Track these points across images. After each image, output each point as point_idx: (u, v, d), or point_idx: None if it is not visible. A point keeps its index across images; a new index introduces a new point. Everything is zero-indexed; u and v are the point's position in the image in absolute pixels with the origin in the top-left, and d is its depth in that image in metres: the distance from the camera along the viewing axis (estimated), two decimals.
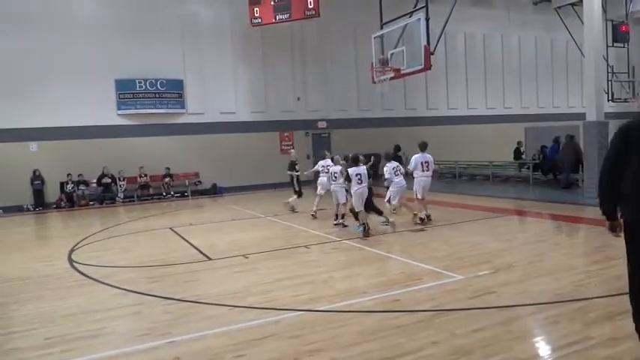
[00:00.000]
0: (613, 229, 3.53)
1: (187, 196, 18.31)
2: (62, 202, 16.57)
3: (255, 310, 5.02)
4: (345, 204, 9.85)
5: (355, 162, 9.00)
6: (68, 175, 16.71)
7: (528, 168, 16.56)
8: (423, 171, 9.68)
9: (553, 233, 8.80)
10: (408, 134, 18.95)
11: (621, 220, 3.49)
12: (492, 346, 3.82)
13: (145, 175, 17.80)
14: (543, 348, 3.93)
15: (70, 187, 16.76)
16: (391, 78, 13.92)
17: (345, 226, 9.72)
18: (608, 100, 18.07)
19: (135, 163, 17.57)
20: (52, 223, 13.84)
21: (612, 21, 18.73)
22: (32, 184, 16.30)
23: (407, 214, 10.30)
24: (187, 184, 18.57)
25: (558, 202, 11.87)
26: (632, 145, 3.37)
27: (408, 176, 9.91)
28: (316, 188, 11.56)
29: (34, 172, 16.28)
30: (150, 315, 5.08)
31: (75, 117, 16.64)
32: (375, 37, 14.72)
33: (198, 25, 18.60)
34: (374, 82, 14.71)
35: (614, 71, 19.03)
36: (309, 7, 17.42)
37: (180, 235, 9.92)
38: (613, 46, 18.66)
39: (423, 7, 12.82)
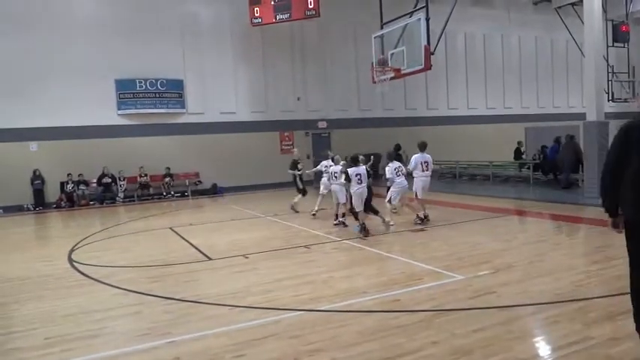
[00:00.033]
0: (615, 226, 3.58)
1: (187, 196, 18.31)
2: (62, 202, 16.57)
3: (255, 310, 5.02)
4: (345, 204, 9.85)
5: (355, 162, 9.00)
6: (68, 174, 16.72)
7: (528, 168, 16.56)
8: (422, 171, 9.70)
9: (553, 233, 8.80)
10: (408, 134, 18.96)
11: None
12: (492, 346, 3.82)
13: (145, 175, 17.81)
14: (543, 348, 3.93)
15: (70, 186, 16.76)
16: (391, 78, 13.92)
17: (346, 225, 9.72)
18: (609, 100, 18.06)
19: (135, 163, 17.57)
20: (52, 223, 13.84)
21: (612, 21, 18.72)
22: (32, 183, 16.30)
23: (408, 214, 10.31)
24: (187, 184, 18.58)
25: (558, 202, 11.87)
26: (632, 145, 3.40)
27: (408, 176, 9.90)
28: (318, 188, 11.56)
29: (35, 171, 16.29)
30: (150, 315, 5.08)
31: (75, 117, 16.64)
32: (375, 37, 14.72)
33: (198, 25, 18.60)
34: (374, 82, 14.71)
35: (615, 71, 19.02)
36: (310, 7, 17.42)
37: (180, 235, 9.92)
38: (613, 46, 18.65)
39: (423, 7, 12.82)
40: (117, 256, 8.22)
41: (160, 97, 18.03)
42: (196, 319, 4.86)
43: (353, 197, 8.90)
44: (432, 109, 23.55)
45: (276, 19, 17.85)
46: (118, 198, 17.33)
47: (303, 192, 12.19)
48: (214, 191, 18.75)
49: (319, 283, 5.93)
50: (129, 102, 17.64)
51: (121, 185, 17.50)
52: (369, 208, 9.21)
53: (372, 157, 11.60)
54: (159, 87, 17.97)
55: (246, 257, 7.53)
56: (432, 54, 12.81)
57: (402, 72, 13.63)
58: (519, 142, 18.44)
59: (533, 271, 5.92)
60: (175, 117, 18.49)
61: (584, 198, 11.87)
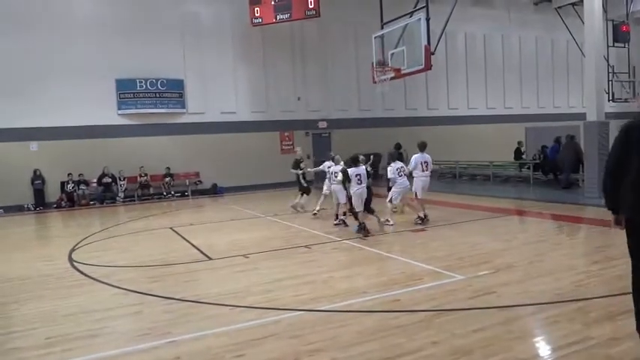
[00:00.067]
0: (618, 223, 3.63)
1: (188, 195, 18.31)
2: (63, 202, 16.57)
3: (256, 310, 5.02)
4: (345, 204, 9.85)
5: (355, 162, 9.01)
6: (69, 174, 16.72)
7: (529, 168, 16.56)
8: (422, 171, 9.71)
9: (553, 233, 8.79)
10: (408, 134, 18.94)
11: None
12: (492, 346, 3.82)
13: (146, 175, 17.81)
14: (543, 348, 3.93)
15: (70, 186, 16.76)
16: (391, 78, 13.92)
17: (347, 225, 9.72)
18: (609, 100, 18.05)
19: (135, 163, 17.58)
20: (53, 223, 13.84)
21: (613, 21, 18.70)
22: (33, 183, 16.30)
23: (409, 214, 10.31)
24: (188, 183, 18.58)
25: (559, 202, 11.87)
26: (633, 145, 3.42)
27: (408, 176, 9.91)
28: (321, 188, 11.55)
29: (35, 171, 16.29)
30: (150, 315, 5.08)
31: (75, 117, 16.65)
32: (375, 37, 14.71)
33: (198, 24, 18.60)
34: (374, 82, 14.70)
35: (615, 71, 19.01)
36: (310, 7, 17.43)
37: (180, 235, 9.93)
38: (613, 46, 18.64)
39: (423, 7, 12.82)
40: (117, 256, 8.22)
41: (160, 97, 18.03)
42: (196, 319, 4.86)
43: (353, 197, 8.90)
44: (432, 109, 23.55)
45: (276, 19, 17.86)
46: (118, 198, 17.33)
47: (307, 191, 12.14)
48: (214, 191, 18.76)
49: (319, 283, 5.93)
50: (129, 102, 17.64)
51: (121, 185, 17.50)
52: (366, 208, 9.21)
53: (371, 156, 11.59)
54: (159, 87, 17.97)
55: (247, 257, 7.53)
56: (433, 54, 12.81)
57: (403, 72, 13.61)
58: (519, 142, 18.44)
59: (534, 271, 5.92)
60: (176, 117, 18.49)
61: (584, 198, 11.87)
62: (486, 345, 3.85)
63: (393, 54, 13.91)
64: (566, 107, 26.49)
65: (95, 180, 17.25)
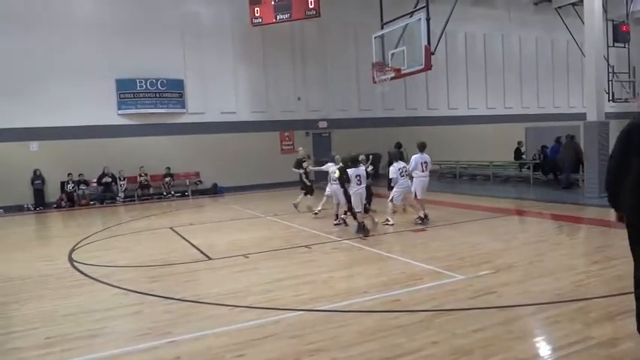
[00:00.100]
0: (621, 220, 3.66)
1: (188, 195, 18.32)
2: (63, 202, 16.58)
3: (256, 309, 5.02)
4: (345, 204, 9.84)
5: (355, 163, 9.01)
6: (69, 174, 16.72)
7: (529, 168, 16.55)
8: (422, 171, 9.70)
9: (553, 233, 8.79)
10: (408, 134, 18.92)
11: None
12: (493, 346, 3.82)
13: (146, 175, 17.81)
14: (544, 348, 3.93)
15: (70, 186, 16.77)
16: (392, 78, 13.92)
17: (347, 224, 9.72)
18: (609, 100, 18.04)
19: (135, 163, 17.58)
20: (53, 223, 13.84)
21: (613, 21, 18.70)
22: (33, 183, 16.31)
23: (410, 214, 10.31)
24: (188, 183, 18.59)
25: (559, 202, 11.86)
26: (634, 147, 3.43)
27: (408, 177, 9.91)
28: (323, 188, 11.53)
29: (35, 171, 16.30)
30: (150, 314, 5.08)
31: (75, 117, 16.65)
32: (375, 37, 14.72)
33: (198, 24, 18.60)
34: (374, 82, 14.70)
35: (615, 71, 19.01)
36: (310, 7, 17.44)
37: (180, 235, 9.92)
38: (614, 46, 18.63)
39: (423, 7, 12.82)
40: (117, 256, 8.22)
41: (160, 97, 18.03)
42: (197, 319, 4.86)
43: (352, 197, 8.90)
44: (432, 109, 23.55)
45: (276, 19, 17.86)
46: (118, 198, 17.33)
47: (310, 191, 12.05)
48: (214, 191, 18.76)
49: (319, 283, 5.92)
50: (129, 102, 17.64)
51: (121, 185, 17.50)
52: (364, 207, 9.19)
53: (370, 156, 11.57)
54: (159, 87, 17.97)
55: (247, 257, 7.53)
56: (433, 54, 12.81)
57: (403, 72, 13.62)
58: (519, 142, 18.45)
59: (534, 271, 5.92)
60: (176, 117, 18.49)
61: (584, 198, 11.86)
62: (486, 345, 3.85)
63: (393, 54, 13.91)
64: (566, 107, 26.50)
65: (95, 180, 17.25)
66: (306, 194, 12.09)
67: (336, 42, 20.94)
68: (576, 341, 3.84)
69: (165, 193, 17.95)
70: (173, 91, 18.25)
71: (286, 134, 20.37)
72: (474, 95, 24.62)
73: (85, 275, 6.91)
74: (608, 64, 17.85)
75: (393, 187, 10.01)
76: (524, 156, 18.11)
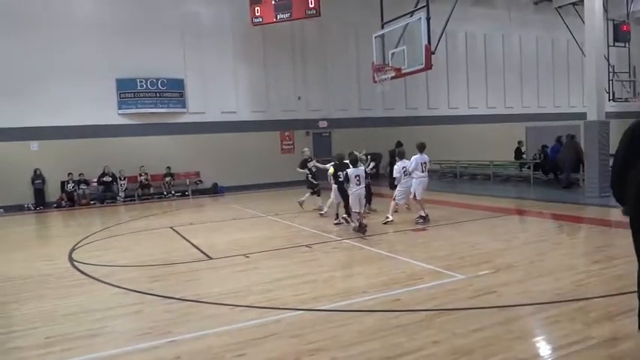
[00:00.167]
0: (626, 214, 3.64)
1: (188, 195, 18.32)
2: (63, 202, 16.58)
3: (256, 309, 5.02)
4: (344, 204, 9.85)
5: (354, 163, 9.01)
6: (69, 174, 16.73)
7: (529, 167, 16.55)
8: (422, 171, 9.70)
9: (554, 233, 8.79)
10: (408, 134, 18.93)
11: None
12: (493, 346, 3.82)
13: (146, 175, 17.81)
14: (544, 348, 3.93)
15: (70, 186, 16.77)
16: (392, 77, 13.91)
17: (348, 222, 9.72)
18: (609, 100, 18.07)
19: (136, 163, 17.58)
20: (53, 223, 13.84)
21: (613, 20, 18.72)
22: (33, 183, 16.31)
23: (411, 213, 10.30)
24: (188, 183, 18.59)
25: (559, 201, 11.86)
26: (637, 146, 3.43)
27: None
28: (328, 188, 11.50)
29: (35, 171, 16.30)
30: (151, 314, 5.08)
31: (76, 116, 16.66)
32: (375, 37, 14.71)
33: (198, 24, 18.60)
34: (375, 82, 14.70)
35: (615, 71, 19.03)
36: (310, 6, 17.42)
37: (181, 235, 9.93)
38: (614, 45, 18.65)
39: (423, 6, 12.82)
40: (117, 256, 8.22)
41: (160, 97, 18.03)
42: (197, 319, 4.86)
43: (350, 198, 8.90)
44: (432, 109, 23.54)
45: (276, 18, 17.85)
46: (118, 197, 17.34)
47: (317, 191, 11.95)
48: (215, 191, 18.76)
49: (320, 282, 5.93)
50: (129, 101, 17.64)
51: (121, 185, 17.50)
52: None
53: (369, 156, 11.56)
54: (159, 86, 17.97)
55: (247, 257, 7.53)
56: (433, 53, 12.80)
57: (403, 71, 13.61)
58: (520, 142, 18.44)
59: (534, 271, 5.92)
60: (176, 116, 18.49)
61: (584, 198, 11.86)
62: (487, 345, 3.85)
63: (393, 53, 13.90)
64: (566, 107, 26.48)
65: (95, 180, 17.26)
66: (313, 194, 12.07)
67: (336, 41, 20.94)
68: (576, 341, 3.83)
69: (165, 193, 17.95)
70: (173, 91, 18.25)
71: (286, 134, 20.37)
72: (474, 95, 24.61)
73: (86, 275, 6.91)
74: (609, 64, 17.87)
75: (396, 186, 10.02)
76: (524, 155, 18.11)
